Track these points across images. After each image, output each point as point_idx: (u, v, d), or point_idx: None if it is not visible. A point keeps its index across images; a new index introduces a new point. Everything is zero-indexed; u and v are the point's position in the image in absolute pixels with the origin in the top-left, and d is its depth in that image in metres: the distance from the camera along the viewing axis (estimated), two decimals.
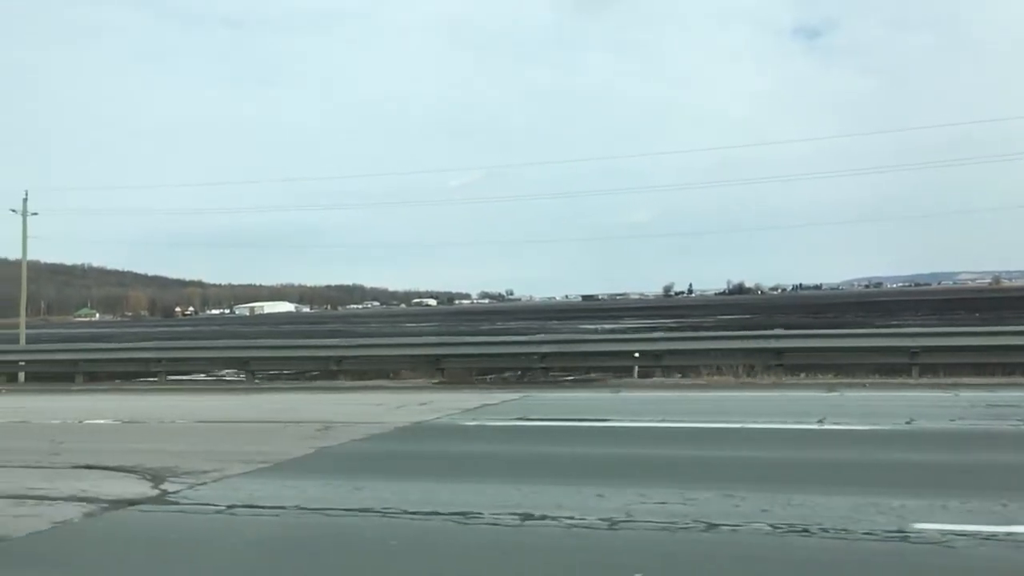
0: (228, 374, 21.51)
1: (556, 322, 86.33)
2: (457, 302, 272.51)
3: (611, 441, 9.89)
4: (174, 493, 7.21)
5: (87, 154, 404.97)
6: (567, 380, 17.53)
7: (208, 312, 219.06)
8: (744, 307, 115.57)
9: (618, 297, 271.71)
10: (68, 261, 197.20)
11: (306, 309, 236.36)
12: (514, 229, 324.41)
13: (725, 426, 10.48)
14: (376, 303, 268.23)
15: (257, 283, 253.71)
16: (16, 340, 42.88)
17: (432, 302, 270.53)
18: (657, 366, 17.78)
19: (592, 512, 6.04)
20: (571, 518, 5.89)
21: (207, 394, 18.44)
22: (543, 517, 5.95)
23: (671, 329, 38.41)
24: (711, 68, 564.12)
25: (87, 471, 8.41)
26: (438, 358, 19.31)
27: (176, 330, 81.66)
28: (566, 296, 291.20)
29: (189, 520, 6.39)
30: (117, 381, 21.90)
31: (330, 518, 6.22)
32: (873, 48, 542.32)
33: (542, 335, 20.86)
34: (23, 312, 53.56)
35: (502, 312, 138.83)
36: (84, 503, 6.90)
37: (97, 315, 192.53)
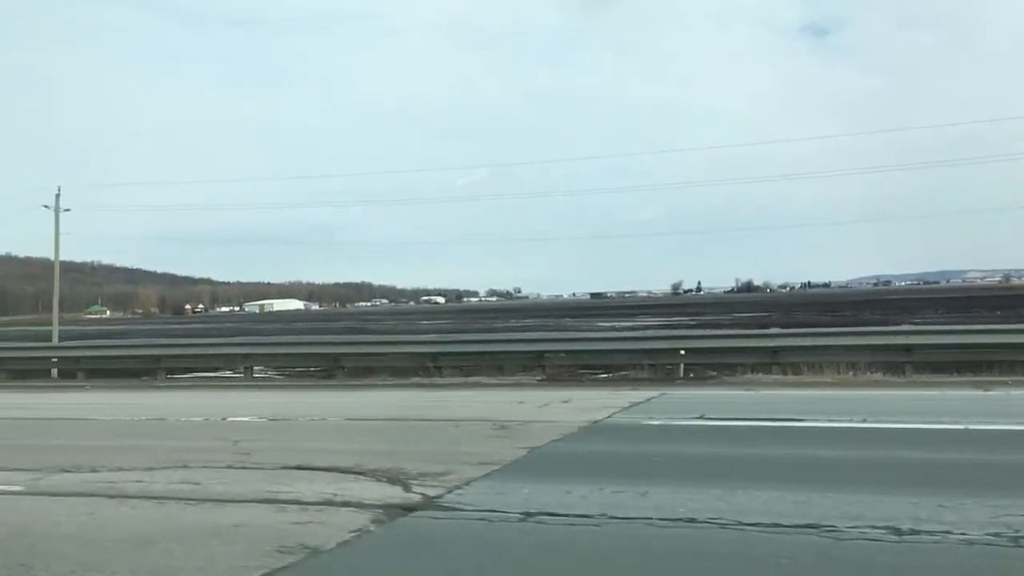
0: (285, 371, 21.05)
1: (570, 320, 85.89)
2: (465, 300, 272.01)
3: (830, 443, 9.28)
4: (438, 498, 6.62)
5: (94, 153, 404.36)
6: (691, 378, 16.97)
7: (218, 310, 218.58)
8: (759, 305, 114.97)
9: (626, 295, 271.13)
10: (78, 259, 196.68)
11: (315, 307, 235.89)
12: (521, 227, 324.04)
13: (933, 427, 9.93)
14: (385, 301, 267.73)
15: (266, 281, 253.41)
16: (48, 337, 42.59)
17: (440, 300, 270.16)
18: (775, 363, 17.24)
19: (968, 524, 5.41)
20: (948, 532, 5.29)
21: (304, 391, 17.92)
22: (913, 532, 5.34)
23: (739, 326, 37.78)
24: (717, 67, 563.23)
25: (304, 472, 7.83)
26: (540, 355, 18.77)
27: (199, 327, 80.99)
28: (573, 294, 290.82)
29: (492, 529, 5.78)
30: (187, 377, 21.42)
31: (652, 528, 5.63)
32: (880, 47, 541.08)
33: (651, 331, 20.26)
34: (55, 309, 53.26)
35: (514, 310, 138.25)
36: (354, 508, 6.32)
37: (107, 312, 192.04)
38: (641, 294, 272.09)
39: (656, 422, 10.74)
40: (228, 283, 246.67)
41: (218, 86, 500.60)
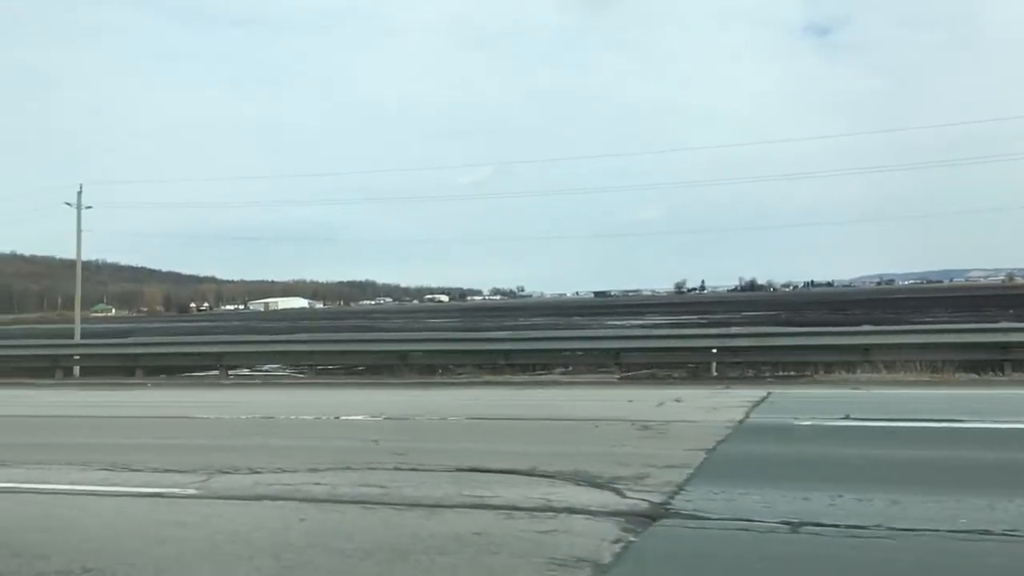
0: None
1: (580, 318, 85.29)
2: (469, 299, 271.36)
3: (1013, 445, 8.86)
4: (665, 504, 6.14)
5: (95, 153, 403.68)
6: (780, 376, 16.54)
7: (223, 308, 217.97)
8: (767, 304, 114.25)
9: (630, 294, 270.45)
10: (83, 257, 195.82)
11: (319, 305, 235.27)
12: (523, 226, 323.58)
13: None
14: (388, 299, 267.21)
15: (269, 279, 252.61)
16: (66, 335, 42.12)
17: (444, 299, 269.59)
18: (866, 360, 16.81)
19: None
20: None
21: (380, 389, 17.42)
22: None
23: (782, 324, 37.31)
24: (718, 66, 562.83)
25: (484, 475, 7.37)
26: (617, 352, 18.33)
27: (223, 325, 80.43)
28: (576, 293, 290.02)
29: (766, 541, 5.25)
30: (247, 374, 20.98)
31: (950, 540, 5.15)
32: (881, 46, 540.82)
33: (736, 328, 19.82)
34: (78, 306, 52.89)
35: (521, 309, 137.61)
36: (587, 516, 5.85)
37: (113, 311, 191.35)
38: (644, 293, 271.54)
39: (805, 423, 10.27)
40: (232, 281, 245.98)
41: (219, 86, 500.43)
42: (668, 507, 6.11)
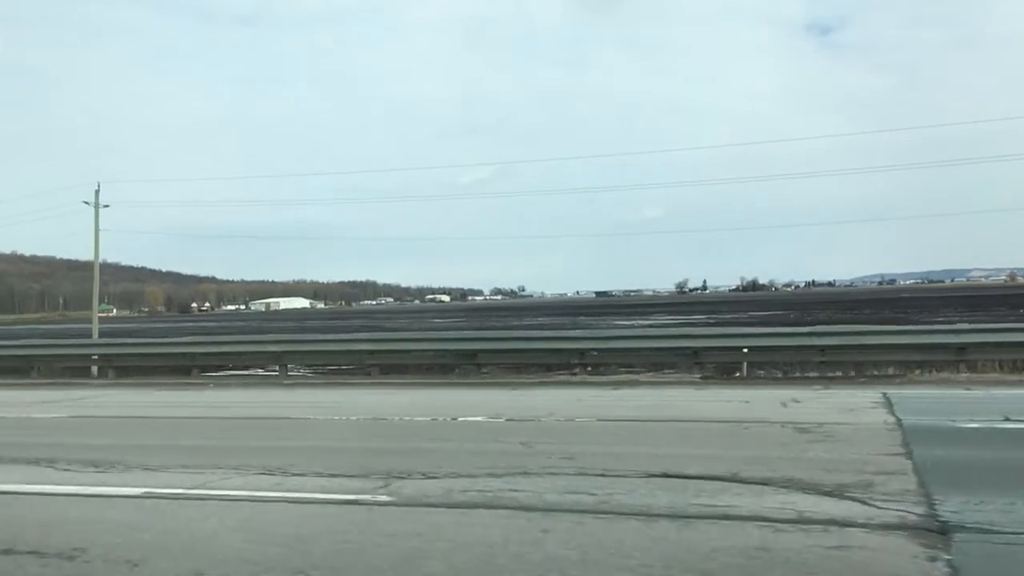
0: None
1: (586, 318, 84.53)
2: (470, 299, 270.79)
3: None
4: (935, 517, 5.59)
5: (95, 152, 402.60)
6: (888, 375, 16.00)
7: (224, 308, 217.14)
8: (774, 304, 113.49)
9: (631, 293, 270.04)
10: (83, 257, 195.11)
11: (320, 305, 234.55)
12: (525, 226, 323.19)
13: None
14: (390, 299, 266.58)
15: (270, 279, 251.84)
16: (84, 335, 41.46)
17: (445, 298, 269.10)
18: (961, 360, 16.27)
19: None
20: None
21: (462, 389, 16.82)
22: None
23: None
24: (722, 64, 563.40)
25: (687, 481, 6.81)
26: (696, 351, 17.77)
27: (240, 325, 79.76)
28: (577, 292, 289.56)
29: None
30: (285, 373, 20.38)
31: None
32: (886, 45, 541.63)
33: (822, 326, 19.28)
34: (95, 306, 52.27)
35: (525, 308, 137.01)
36: (867, 530, 5.29)
37: (114, 311, 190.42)
38: (646, 292, 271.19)
39: (968, 425, 9.72)
40: (233, 281, 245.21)
41: (220, 85, 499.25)
42: (939, 518, 5.55)
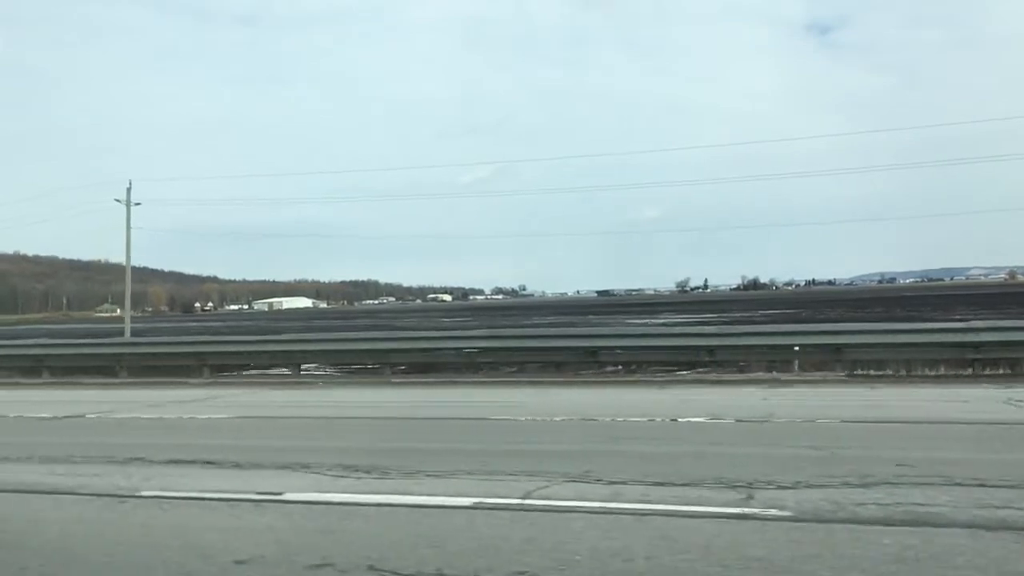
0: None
1: (594, 317, 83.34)
2: (471, 298, 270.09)
3: None
4: None
5: (96, 152, 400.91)
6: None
7: (227, 307, 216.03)
8: (778, 302, 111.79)
9: (633, 293, 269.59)
10: (86, 257, 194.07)
11: (323, 305, 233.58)
12: (525, 224, 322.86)
13: None
14: (391, 299, 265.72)
15: (272, 279, 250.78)
16: (120, 333, 40.68)
17: (447, 297, 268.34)
18: None
19: None
20: None
21: (576, 388, 16.19)
22: None
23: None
24: (722, 64, 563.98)
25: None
26: (838, 348, 17.19)
27: (263, 325, 78.73)
28: (578, 292, 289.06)
29: None
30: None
31: None
32: (886, 45, 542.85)
33: (927, 324, 18.76)
34: (127, 305, 51.53)
35: (529, 308, 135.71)
36: None
37: (117, 311, 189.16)
38: (647, 291, 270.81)
39: None
40: (235, 281, 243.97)
41: (222, 84, 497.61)
42: None
